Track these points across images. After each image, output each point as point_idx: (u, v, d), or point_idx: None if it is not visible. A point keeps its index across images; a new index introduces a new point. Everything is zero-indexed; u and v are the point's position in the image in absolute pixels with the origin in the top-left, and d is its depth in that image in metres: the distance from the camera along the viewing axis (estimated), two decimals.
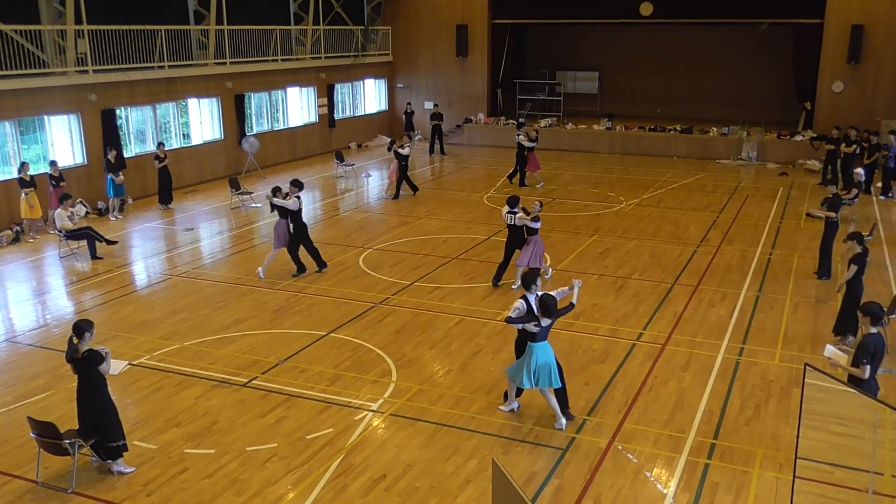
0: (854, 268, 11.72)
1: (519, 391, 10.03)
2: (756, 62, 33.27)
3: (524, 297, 9.73)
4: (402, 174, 22.71)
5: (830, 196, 15.48)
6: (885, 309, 9.21)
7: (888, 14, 26.96)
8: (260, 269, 15.52)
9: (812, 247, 17.40)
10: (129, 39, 21.90)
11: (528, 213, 14.57)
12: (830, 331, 12.31)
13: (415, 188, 23.17)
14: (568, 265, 16.13)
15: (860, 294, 11.77)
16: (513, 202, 14.77)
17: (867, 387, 8.05)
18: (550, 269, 15.59)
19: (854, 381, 8.14)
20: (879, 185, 22.86)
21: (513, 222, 14.74)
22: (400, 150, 22.37)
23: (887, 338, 11.29)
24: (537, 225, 14.55)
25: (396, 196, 22.65)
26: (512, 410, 10.09)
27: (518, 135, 24.02)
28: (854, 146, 23.02)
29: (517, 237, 14.84)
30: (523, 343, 9.78)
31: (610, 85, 36.46)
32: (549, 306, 9.39)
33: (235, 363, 11.57)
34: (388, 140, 23.51)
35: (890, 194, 22.33)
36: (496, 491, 6.13)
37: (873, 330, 8.29)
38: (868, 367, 8.10)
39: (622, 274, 15.62)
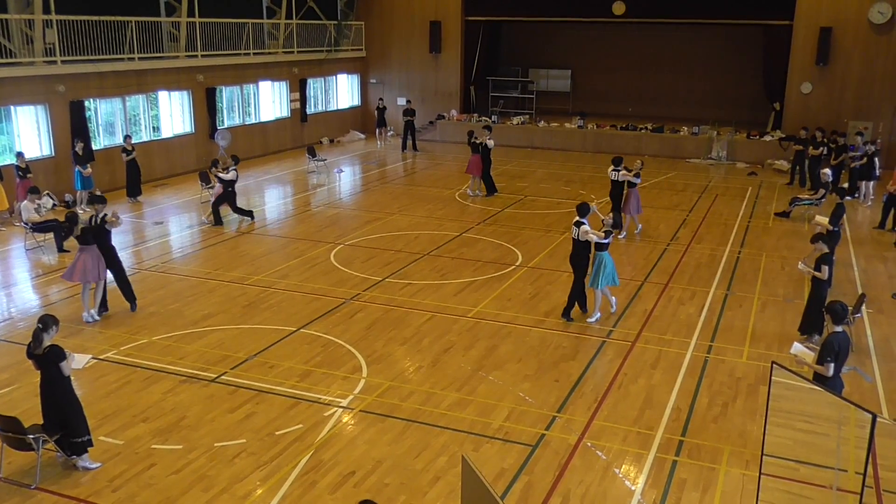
0: (825, 268, 11.84)
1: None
2: (726, 62, 33.57)
3: (580, 223, 12.78)
4: (229, 201, 19.06)
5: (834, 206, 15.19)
6: (850, 308, 9.34)
7: (856, 17, 27.32)
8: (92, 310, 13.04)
9: (780, 246, 17.64)
10: (98, 30, 21.61)
11: (629, 171, 17.78)
12: (797, 329, 12.47)
13: (248, 213, 19.57)
14: (539, 262, 16.18)
15: (826, 293, 11.92)
16: (617, 161, 18.15)
17: (832, 385, 8.16)
18: (640, 226, 18.56)
19: (819, 379, 8.25)
20: (846, 185, 23.18)
21: (616, 178, 17.94)
22: (223, 176, 18.70)
23: (853, 336, 11.48)
24: (637, 181, 17.80)
25: (217, 222, 19.04)
26: (597, 319, 12.94)
27: (488, 139, 21.92)
28: (822, 148, 23.34)
29: (618, 191, 18.14)
30: (581, 260, 12.88)
31: (582, 83, 36.62)
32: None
33: (204, 358, 11.47)
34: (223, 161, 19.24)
35: (856, 195, 22.64)
36: (466, 487, 6.13)
37: (838, 328, 8.39)
38: (832, 365, 8.20)
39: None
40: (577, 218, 12.94)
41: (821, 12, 27.78)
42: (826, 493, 7.92)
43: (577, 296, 13.10)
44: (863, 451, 6.24)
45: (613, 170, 17.94)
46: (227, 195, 18.98)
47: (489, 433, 9.49)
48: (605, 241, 12.76)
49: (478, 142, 22.00)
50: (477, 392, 10.54)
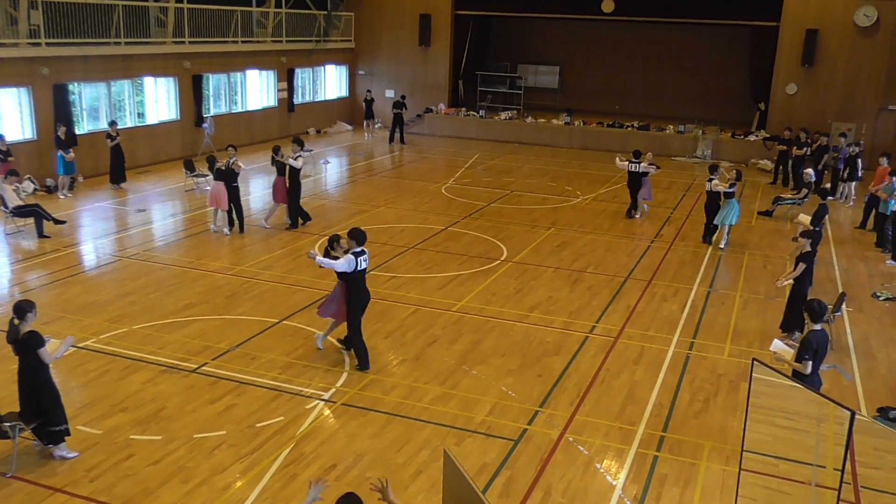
0: (802, 265, 11.92)
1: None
2: (713, 62, 33.72)
3: (711, 179, 17.22)
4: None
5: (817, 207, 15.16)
6: (829, 306, 9.39)
7: (842, 19, 27.47)
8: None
9: (763, 244, 17.73)
10: (84, 13, 21.37)
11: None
12: (778, 327, 12.53)
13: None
14: (524, 257, 16.18)
15: (807, 291, 12.00)
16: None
17: (810, 382, 8.21)
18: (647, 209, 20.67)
19: (798, 376, 8.30)
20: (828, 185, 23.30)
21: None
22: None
23: (832, 334, 11.56)
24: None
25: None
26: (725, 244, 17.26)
27: (294, 157, 17.40)
28: (805, 148, 23.48)
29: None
30: (715, 205, 17.22)
31: (570, 80, 36.64)
32: (741, 175, 17.54)
33: (185, 348, 11.39)
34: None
35: (837, 195, 22.77)
36: (447, 481, 6.12)
37: (816, 327, 8.46)
38: (810, 362, 8.27)
39: (577, 267, 15.71)
40: (710, 176, 17.33)
41: (807, 14, 27.93)
42: (805, 489, 7.96)
43: (709, 228, 17.46)
44: (841, 448, 6.27)
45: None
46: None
47: (472, 427, 9.47)
48: (731, 190, 16.82)
49: (282, 160, 17.28)
50: (460, 386, 10.53)
